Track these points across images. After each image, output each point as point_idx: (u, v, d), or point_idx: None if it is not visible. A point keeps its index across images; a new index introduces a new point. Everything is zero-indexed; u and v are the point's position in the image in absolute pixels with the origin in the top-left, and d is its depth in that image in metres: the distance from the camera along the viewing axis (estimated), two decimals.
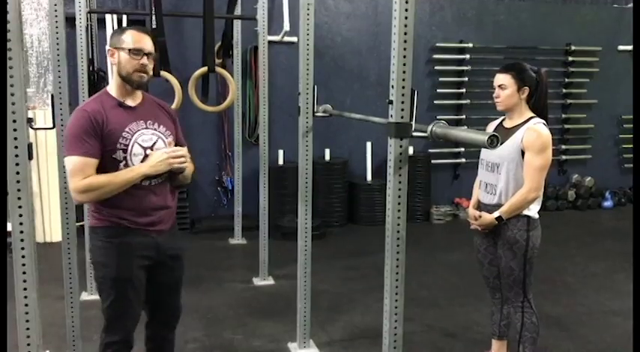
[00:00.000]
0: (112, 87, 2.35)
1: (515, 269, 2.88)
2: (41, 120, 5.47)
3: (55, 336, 3.51)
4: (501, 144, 2.86)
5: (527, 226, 2.84)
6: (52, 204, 5.60)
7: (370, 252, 5.62)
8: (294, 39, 6.43)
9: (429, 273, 4.95)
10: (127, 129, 2.28)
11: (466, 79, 7.05)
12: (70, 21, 4.15)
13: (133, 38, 2.29)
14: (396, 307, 2.21)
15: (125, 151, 2.26)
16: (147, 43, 2.32)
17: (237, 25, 5.48)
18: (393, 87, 2.09)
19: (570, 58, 7.40)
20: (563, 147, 7.59)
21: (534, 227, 2.87)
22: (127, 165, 2.26)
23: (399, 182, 2.13)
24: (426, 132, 2.11)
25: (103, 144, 2.21)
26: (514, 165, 2.82)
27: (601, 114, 7.65)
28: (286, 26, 6.16)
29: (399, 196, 2.14)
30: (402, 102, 2.08)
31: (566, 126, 7.58)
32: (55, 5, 2.94)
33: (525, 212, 2.84)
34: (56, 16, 2.94)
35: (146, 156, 2.30)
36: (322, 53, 6.67)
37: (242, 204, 5.82)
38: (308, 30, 3.21)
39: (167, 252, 2.43)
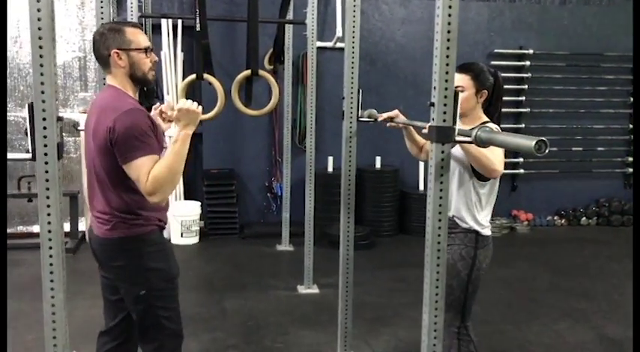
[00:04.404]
0: (125, 87, 2.19)
1: (455, 289, 2.59)
2: None
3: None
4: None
5: (475, 243, 2.59)
6: None
7: (420, 263, 5.41)
8: None
9: (481, 288, 4.72)
10: (163, 134, 2.26)
11: (526, 86, 6.78)
12: None
13: (139, 36, 2.19)
14: (435, 322, 2.08)
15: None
16: (147, 39, 2.25)
17: (289, 30, 5.45)
18: (434, 88, 1.97)
19: None
20: (630, 159, 7.18)
21: (483, 245, 2.61)
22: None
23: (440, 190, 2.01)
24: (470, 136, 1.98)
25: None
26: (466, 175, 2.56)
27: None
28: (339, 32, 6.10)
29: (440, 205, 2.01)
30: (445, 105, 1.96)
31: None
32: (102, 8, 2.96)
33: (475, 227, 2.59)
34: (102, 18, 2.96)
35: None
36: (375, 59, 6.58)
37: (290, 210, 5.77)
38: (354, 32, 3.12)
39: None
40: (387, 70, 6.60)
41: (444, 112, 1.96)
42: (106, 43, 2.15)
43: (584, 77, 6.88)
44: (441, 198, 2.01)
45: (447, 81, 1.95)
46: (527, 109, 6.79)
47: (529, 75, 6.78)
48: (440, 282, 2.07)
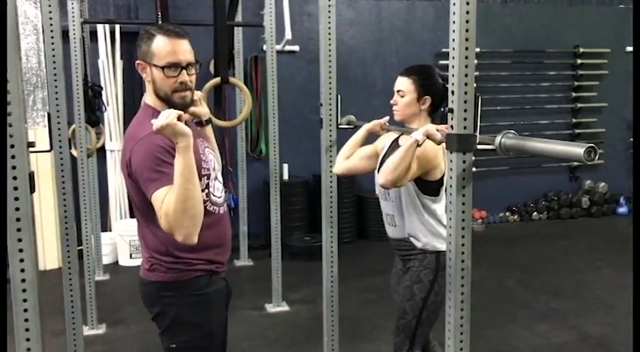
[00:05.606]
0: (157, 105, 1.85)
1: (408, 314, 2.41)
2: (31, 140, 5.12)
3: None
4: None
5: (435, 264, 2.37)
6: (45, 229, 5.24)
7: (385, 270, 5.25)
8: (295, 48, 6.17)
9: None
10: (200, 152, 1.85)
11: (474, 85, 6.78)
12: (62, 34, 3.84)
13: (165, 49, 1.78)
14: (461, 349, 1.90)
15: (208, 178, 1.85)
16: (183, 52, 1.80)
17: (238, 34, 5.18)
18: (453, 93, 1.80)
19: (579, 61, 7.16)
20: None
21: (444, 267, 2.37)
22: (208, 195, 1.84)
23: (463, 203, 1.84)
24: (492, 144, 1.82)
25: None
26: (412, 195, 2.38)
27: (612, 117, 7.41)
28: (288, 35, 5.87)
29: (464, 220, 1.84)
30: (465, 111, 1.80)
31: (577, 130, 7.32)
32: (50, 13, 2.62)
33: (439, 245, 2.37)
34: (51, 24, 2.62)
35: (215, 178, 1.91)
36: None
37: (247, 222, 5.49)
38: (330, 34, 2.95)
39: (229, 291, 2.07)
40: (337, 73, 6.40)
41: (465, 119, 1.79)
42: (138, 50, 1.84)
43: (528, 74, 6.98)
44: (464, 212, 1.84)
45: (466, 85, 1.79)
46: None
47: (477, 73, 6.76)
48: (465, 304, 1.89)
